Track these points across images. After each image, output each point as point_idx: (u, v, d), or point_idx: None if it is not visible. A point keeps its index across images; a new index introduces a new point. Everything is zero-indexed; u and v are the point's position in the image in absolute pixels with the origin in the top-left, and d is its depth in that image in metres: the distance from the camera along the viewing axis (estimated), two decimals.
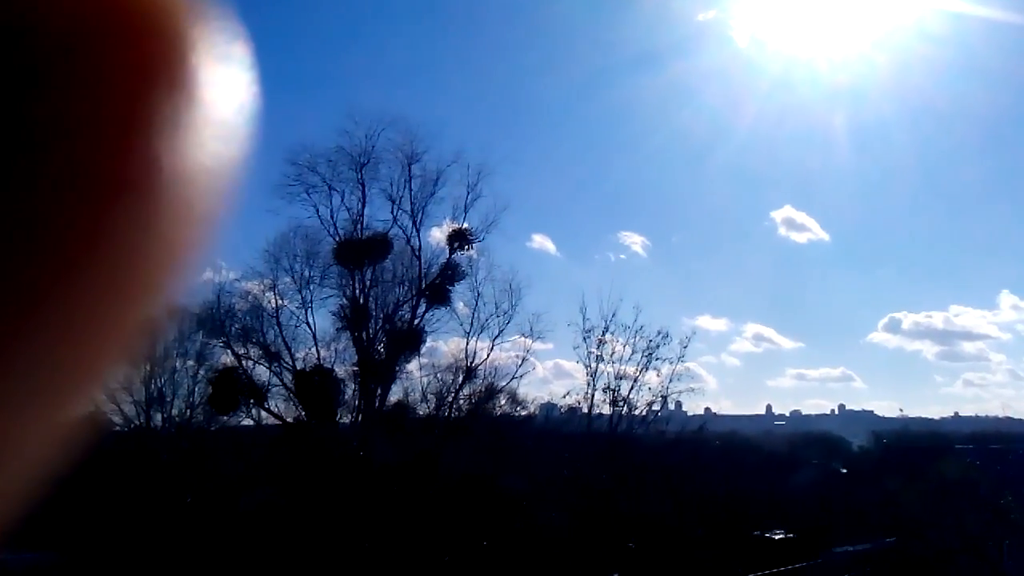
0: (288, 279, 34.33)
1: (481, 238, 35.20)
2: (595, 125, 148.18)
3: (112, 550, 39.42)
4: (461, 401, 35.50)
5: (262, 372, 34.62)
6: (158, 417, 48.27)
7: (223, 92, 0.59)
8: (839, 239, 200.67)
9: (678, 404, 36.88)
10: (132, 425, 48.79)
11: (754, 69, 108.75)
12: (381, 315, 34.42)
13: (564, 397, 35.48)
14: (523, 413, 40.55)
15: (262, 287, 34.66)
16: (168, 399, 48.57)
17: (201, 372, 45.32)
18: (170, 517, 39.29)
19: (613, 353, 33.50)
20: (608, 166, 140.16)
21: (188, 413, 47.28)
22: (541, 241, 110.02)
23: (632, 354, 33.38)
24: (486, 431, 36.00)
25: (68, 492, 44.11)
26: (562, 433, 36.42)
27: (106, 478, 43.03)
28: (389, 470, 32.86)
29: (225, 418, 40.78)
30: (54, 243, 0.47)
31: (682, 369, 33.87)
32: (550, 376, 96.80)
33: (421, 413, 34.97)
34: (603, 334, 33.39)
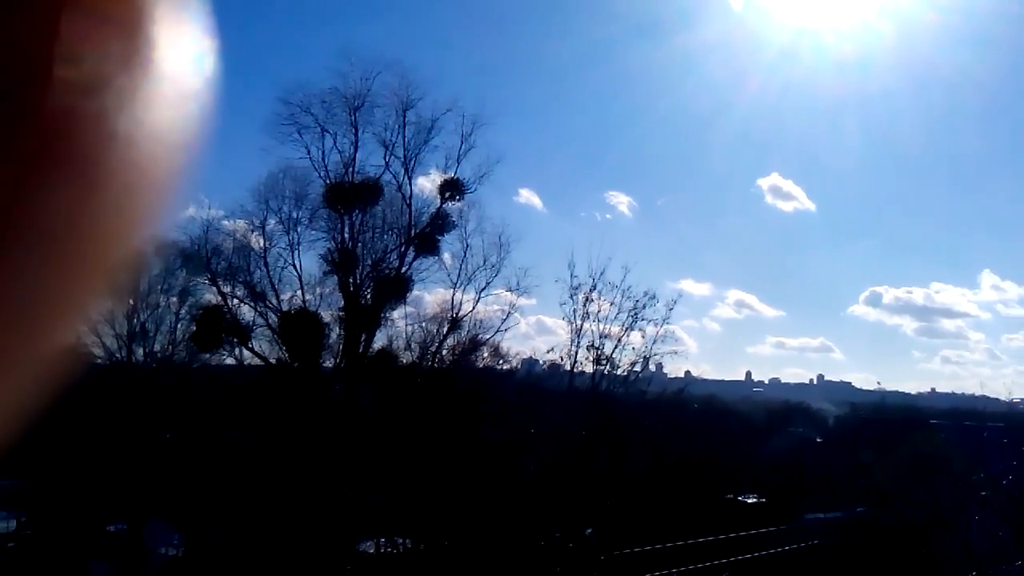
0: (276, 220, 34.09)
1: (473, 189, 35.03)
2: (590, 87, 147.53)
3: (91, 480, 39.57)
4: (444, 352, 35.58)
5: (247, 312, 34.54)
6: (140, 352, 48.27)
7: (181, 42, 0.60)
8: (825, 210, 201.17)
9: (659, 366, 36.96)
10: (114, 359, 48.70)
11: (758, 40, 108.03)
12: (369, 261, 34.31)
13: (548, 352, 35.54)
14: (505, 367, 40.70)
15: (250, 226, 34.45)
16: (151, 334, 48.49)
17: (184, 309, 45.18)
18: (149, 450, 39.42)
19: (599, 312, 33.51)
20: (599, 126, 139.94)
21: (170, 349, 47.20)
22: (528, 196, 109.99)
23: (618, 314, 33.40)
24: (467, 382, 36.09)
25: (47, 422, 43.97)
26: (543, 388, 36.55)
27: (86, 410, 43.07)
28: (370, 416, 32.99)
29: (207, 356, 40.76)
30: (27, 177, 0.47)
31: (665, 331, 33.93)
32: (532, 332, 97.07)
33: (404, 361, 34.98)
34: (590, 292, 33.34)
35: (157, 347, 48.25)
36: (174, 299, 46.62)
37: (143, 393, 42.10)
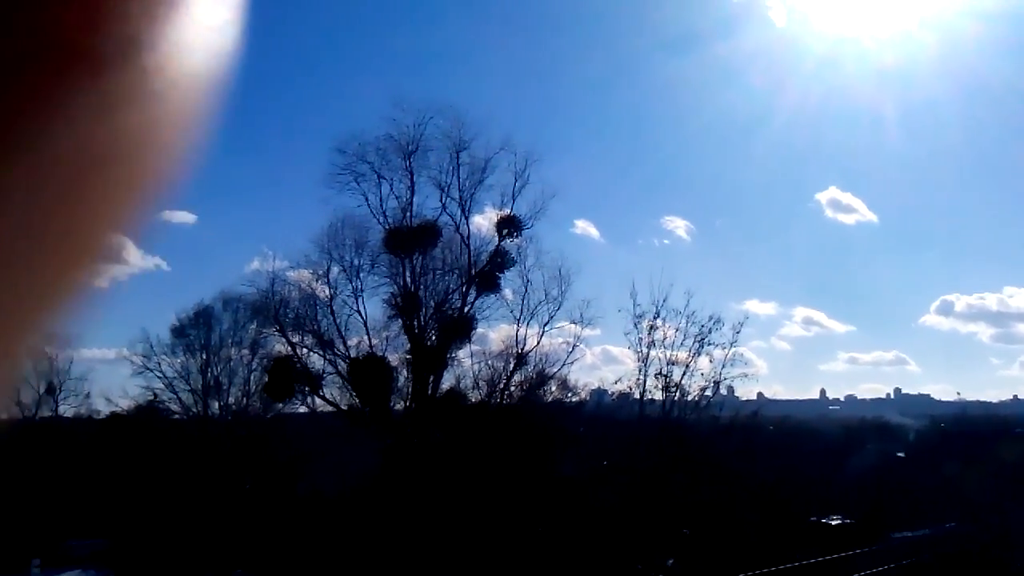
0: (339, 268, 34.63)
1: (530, 225, 35.18)
2: (636, 109, 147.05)
3: (175, 535, 40.31)
4: (512, 388, 35.59)
5: (316, 360, 35.02)
6: (215, 405, 49.27)
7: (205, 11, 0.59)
8: (887, 220, 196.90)
9: (730, 389, 36.47)
10: (190, 413, 49.83)
11: (797, 49, 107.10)
12: (431, 303, 34.63)
13: (615, 383, 35.39)
14: (574, 399, 40.57)
15: (314, 275, 35.01)
16: (225, 387, 49.57)
17: (256, 361, 46.14)
18: (230, 503, 40.05)
19: (664, 339, 33.31)
20: (649, 150, 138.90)
21: (244, 401, 48.16)
22: (584, 227, 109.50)
23: (684, 340, 33.16)
24: (538, 417, 36.04)
25: (131, 480, 45.19)
26: (614, 419, 36.32)
27: (167, 465, 44.03)
28: (442, 456, 33.08)
29: (281, 406, 41.39)
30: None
31: (734, 354, 33.59)
32: (599, 362, 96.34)
33: (473, 400, 35.08)
34: (654, 319, 33.19)
35: (232, 399, 49.34)
36: (245, 351, 47.65)
37: (221, 446, 42.91)
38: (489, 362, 35.61)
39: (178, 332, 49.75)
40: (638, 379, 33.53)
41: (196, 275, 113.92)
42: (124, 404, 55.37)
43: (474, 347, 35.77)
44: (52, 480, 54.08)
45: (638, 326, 33.42)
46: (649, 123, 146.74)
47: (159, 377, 49.88)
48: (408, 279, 34.34)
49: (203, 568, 41.78)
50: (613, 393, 37.39)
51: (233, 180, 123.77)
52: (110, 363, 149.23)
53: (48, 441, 57.40)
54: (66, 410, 60.71)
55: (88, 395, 60.40)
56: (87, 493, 52.57)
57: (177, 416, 51.29)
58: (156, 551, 42.78)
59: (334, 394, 35.32)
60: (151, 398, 51.66)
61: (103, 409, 58.65)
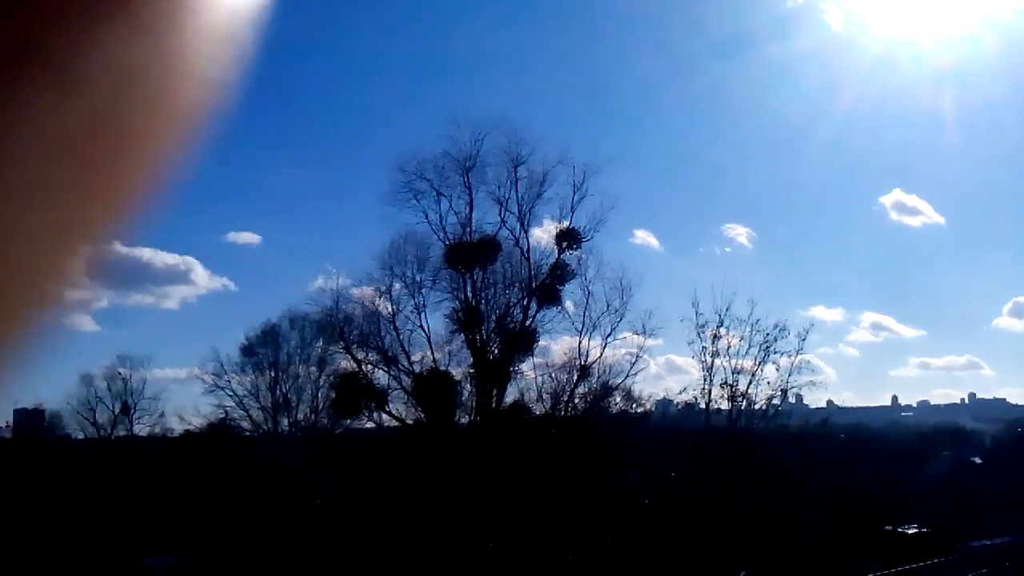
0: (401, 284, 35.02)
1: (589, 237, 35.18)
2: (691, 114, 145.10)
3: (247, 552, 40.99)
4: (576, 400, 35.55)
5: (381, 376, 35.41)
6: (285, 422, 50.12)
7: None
8: (955, 222, 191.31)
9: (799, 398, 35.98)
10: (261, 430, 50.72)
11: (853, 51, 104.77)
12: (493, 316, 34.80)
13: (680, 393, 35.17)
14: (639, 410, 40.36)
15: (377, 293, 35.43)
16: (293, 404, 50.39)
17: (323, 378, 46.86)
18: (301, 518, 40.61)
19: (729, 348, 33.00)
20: (707, 157, 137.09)
21: (313, 417, 48.92)
22: (644, 237, 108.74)
23: (748, 348, 32.82)
24: (603, 429, 35.95)
25: (204, 496, 46.11)
26: (680, 429, 36.07)
27: (239, 482, 44.85)
28: (508, 470, 33.16)
29: (348, 421, 41.92)
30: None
31: (801, 362, 33.13)
32: (663, 372, 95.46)
33: (537, 412, 35.13)
34: (717, 328, 32.91)
35: (300, 416, 50.14)
36: (313, 369, 48.46)
37: (291, 462, 43.57)
38: (552, 374, 35.67)
39: (247, 351, 50.76)
40: (703, 389, 33.28)
41: (262, 294, 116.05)
42: (197, 422, 56.56)
43: (537, 360, 35.86)
44: (127, 498, 55.41)
45: (701, 335, 33.19)
46: (704, 129, 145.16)
47: (230, 395, 50.89)
48: (469, 294, 34.60)
49: None
50: (678, 403, 37.17)
51: (296, 200, 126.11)
52: (182, 382, 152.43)
53: (123, 459, 58.88)
54: (141, 429, 62.25)
55: (162, 414, 61.88)
56: (161, 510, 53.76)
57: (248, 433, 52.24)
58: (230, 568, 43.54)
59: (399, 409, 35.71)
60: (223, 416, 52.71)
61: (176, 427, 60.04)
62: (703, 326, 33.20)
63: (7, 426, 71.16)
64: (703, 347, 33.16)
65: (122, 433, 61.34)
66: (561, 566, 33.91)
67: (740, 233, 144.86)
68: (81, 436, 61.86)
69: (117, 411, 60.60)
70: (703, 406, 33.71)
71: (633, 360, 35.13)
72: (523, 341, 34.71)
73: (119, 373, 60.88)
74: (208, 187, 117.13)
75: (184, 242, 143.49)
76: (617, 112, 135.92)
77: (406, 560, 33.26)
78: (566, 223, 35.28)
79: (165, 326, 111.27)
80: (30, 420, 66.39)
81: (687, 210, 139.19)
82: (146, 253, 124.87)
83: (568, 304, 35.49)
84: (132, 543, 53.06)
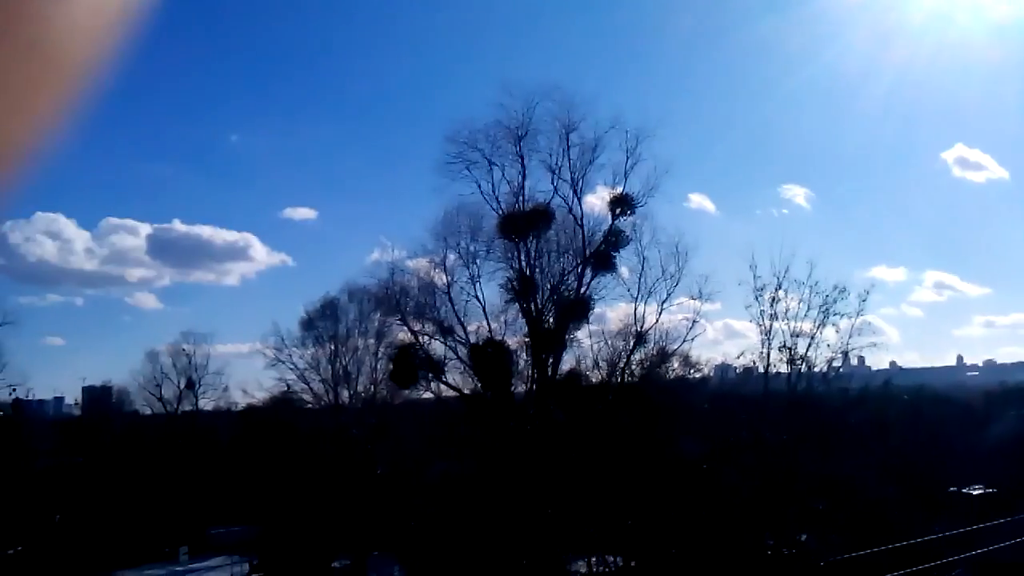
0: (455, 255, 35.11)
1: (643, 203, 34.84)
2: (743, 75, 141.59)
3: (311, 521, 41.76)
4: (633, 366, 35.43)
5: (438, 347, 35.64)
6: (345, 394, 50.74)
7: None
8: (1020, 176, 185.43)
9: (861, 360, 35.39)
10: (322, 402, 51.45)
11: (906, 2, 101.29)
12: (548, 285, 34.75)
13: (738, 358, 34.78)
14: (697, 375, 40.10)
15: (432, 264, 35.59)
16: (353, 376, 50.96)
17: (382, 349, 47.25)
18: (364, 487, 41.23)
19: (787, 310, 32.53)
20: (760, 117, 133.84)
21: (372, 389, 49.42)
22: (699, 200, 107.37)
23: (807, 311, 32.31)
24: (660, 395, 35.80)
25: (268, 468, 46.94)
26: (738, 394, 35.76)
27: (302, 453, 45.61)
28: (565, 437, 33.23)
29: (407, 392, 42.32)
30: None
31: (861, 323, 32.52)
32: (721, 336, 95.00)
33: (594, 380, 35.10)
34: (776, 291, 32.43)
35: (360, 388, 50.70)
36: (371, 341, 48.89)
37: (352, 433, 44.16)
38: (608, 341, 35.58)
39: (307, 325, 51.39)
40: (761, 353, 32.90)
41: (320, 268, 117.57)
42: (260, 396, 57.61)
43: (592, 327, 35.78)
44: (195, 470, 56.72)
45: (759, 299, 32.74)
46: (757, 87, 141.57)
47: (291, 368, 51.62)
48: (523, 263, 34.57)
49: (341, 551, 43.20)
50: (738, 368, 36.82)
51: (350, 175, 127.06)
52: (245, 357, 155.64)
53: (190, 433, 60.26)
54: (205, 403, 63.62)
55: (226, 388, 63.19)
56: (227, 482, 54.95)
57: (310, 405, 53.02)
58: (295, 536, 44.44)
59: (456, 379, 35.94)
60: (285, 389, 53.54)
61: (240, 401, 61.23)
62: (761, 289, 32.76)
63: (76, 403, 73.24)
64: (761, 310, 32.75)
65: (188, 408, 62.74)
66: (620, 532, 33.99)
67: (797, 194, 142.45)
68: (148, 411, 63.36)
69: (182, 386, 61.98)
70: (762, 370, 33.36)
71: (690, 325, 34.90)
72: (578, 309, 34.63)
73: (183, 349, 62.23)
74: (264, 164, 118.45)
75: (242, 219, 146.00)
76: (669, 74, 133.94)
77: (466, 526, 33.61)
78: (619, 189, 35.03)
79: (226, 302, 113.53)
80: (99, 397, 68.15)
81: (743, 172, 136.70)
82: (206, 231, 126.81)
83: (623, 270, 35.32)
84: (200, 514, 54.43)
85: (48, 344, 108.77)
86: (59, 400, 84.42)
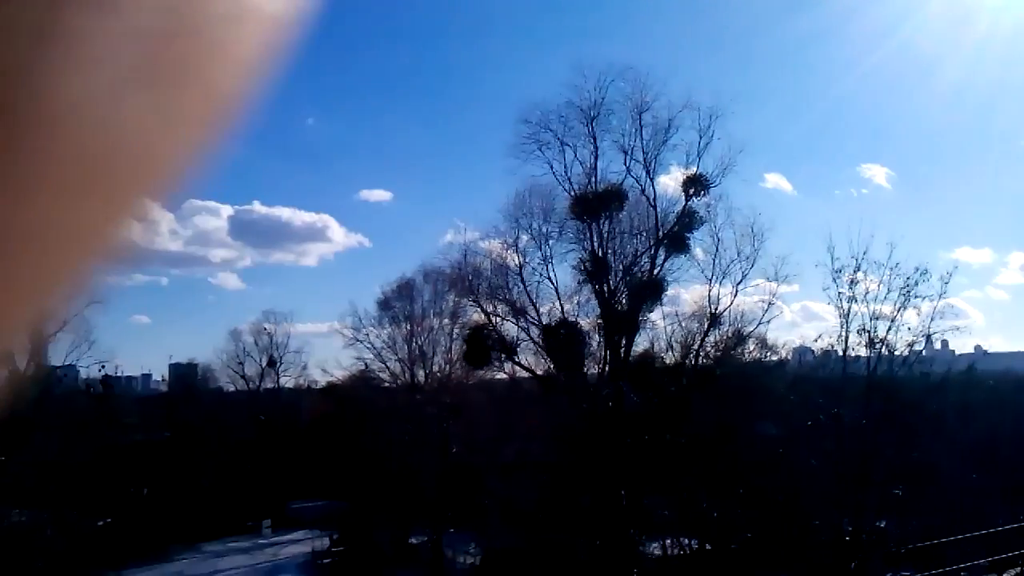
0: (528, 236, 35.16)
1: (717, 183, 34.38)
2: (818, 51, 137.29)
3: (389, 497, 42.48)
4: (708, 348, 35.09)
5: (511, 328, 35.79)
6: (421, 373, 51.35)
7: None
8: None
9: (944, 343, 34.38)
10: (398, 381, 52.19)
11: None
12: (620, 266, 34.58)
13: (815, 340, 34.10)
14: (774, 358, 39.53)
15: (504, 245, 35.71)
16: (429, 356, 51.54)
17: (457, 330, 47.66)
18: (439, 466, 41.75)
19: (867, 293, 31.73)
20: (838, 95, 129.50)
21: (448, 369, 49.92)
22: (776, 180, 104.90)
23: (888, 293, 31.47)
24: (735, 378, 35.40)
25: (347, 445, 47.84)
26: (816, 377, 35.10)
27: (380, 431, 46.35)
28: (638, 419, 33.11)
29: (481, 372, 42.66)
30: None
31: (944, 306, 31.57)
32: (799, 319, 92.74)
33: (667, 362, 34.86)
34: (854, 273, 31.65)
35: (436, 367, 51.26)
36: (446, 321, 49.36)
37: (428, 412, 44.66)
38: (682, 323, 35.32)
39: (384, 305, 52.17)
40: (840, 335, 32.20)
41: (395, 249, 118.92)
42: (338, 374, 58.76)
43: (666, 309, 35.54)
44: (276, 446, 58.14)
45: (837, 280, 32.00)
46: (833, 64, 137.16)
47: (368, 348, 52.57)
48: (596, 244, 34.46)
49: (418, 527, 43.87)
50: (818, 351, 36.16)
51: (425, 156, 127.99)
52: (324, 336, 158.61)
53: (271, 410, 61.76)
54: (286, 381, 65.18)
55: (305, 367, 64.66)
56: (307, 458, 56.22)
57: (387, 384, 53.84)
58: (373, 512, 45.28)
59: (529, 360, 36.11)
60: (362, 368, 54.51)
61: (319, 379, 62.52)
62: (839, 271, 31.97)
63: (163, 380, 75.58)
64: (839, 292, 32.00)
65: (269, 385, 64.30)
66: (694, 514, 33.78)
67: (877, 173, 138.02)
68: (232, 388, 65.15)
69: (264, 364, 63.54)
70: (840, 353, 32.67)
71: (766, 307, 34.41)
72: (651, 290, 34.40)
73: (264, 328, 63.80)
74: (340, 147, 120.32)
75: (320, 201, 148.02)
76: (743, 52, 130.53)
77: (539, 506, 33.79)
78: (693, 169, 34.65)
79: (305, 282, 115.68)
80: (185, 374, 70.25)
81: (821, 151, 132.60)
82: (285, 212, 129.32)
83: (697, 251, 34.95)
84: (282, 489, 55.82)
85: (136, 322, 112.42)
86: (147, 377, 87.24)
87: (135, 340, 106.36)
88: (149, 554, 44.58)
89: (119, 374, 63.04)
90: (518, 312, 35.12)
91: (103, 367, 46.04)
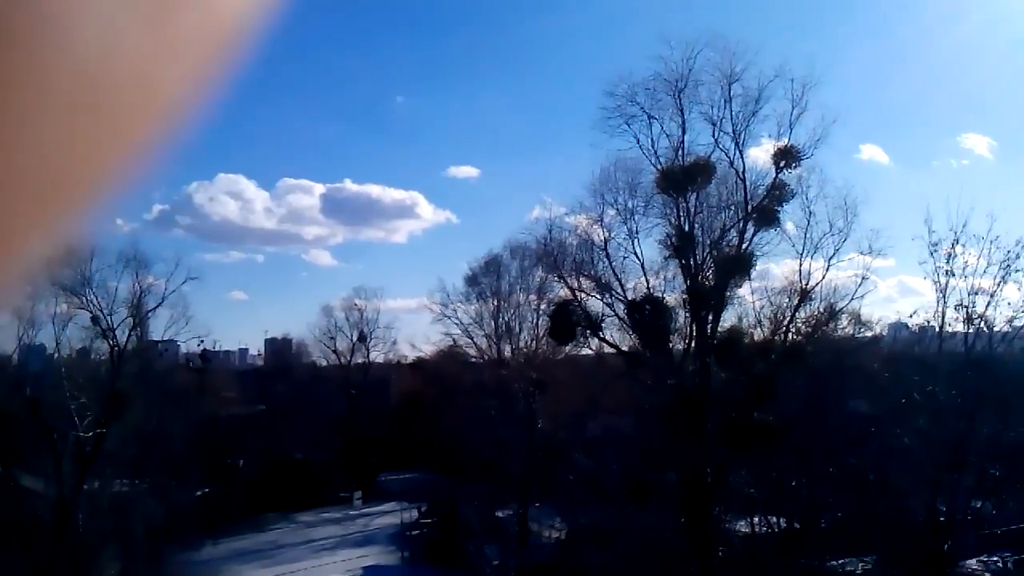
0: (613, 211, 34.89)
1: (809, 155, 33.43)
2: (914, 16, 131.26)
3: (477, 471, 43.02)
4: (798, 324, 34.35)
5: (596, 303, 35.66)
6: (508, 349, 51.75)
7: None
8: None
9: None
10: (485, 357, 52.71)
11: None
12: (708, 241, 34.01)
13: (911, 316, 33.08)
14: (868, 334, 38.53)
15: (589, 221, 35.52)
16: (515, 332, 51.87)
17: (543, 305, 47.79)
18: (524, 442, 42.11)
19: (965, 266, 30.61)
20: (937, 64, 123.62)
21: (534, 344, 50.17)
22: (871, 151, 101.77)
23: (987, 267, 30.29)
24: (827, 354, 34.64)
25: (436, 418, 48.48)
26: (911, 354, 34.11)
27: (466, 405, 46.92)
28: (725, 396, 32.73)
29: (567, 348, 42.70)
30: None
31: None
32: (894, 294, 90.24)
33: (756, 338, 34.28)
34: (952, 246, 30.55)
35: (522, 343, 51.57)
36: (533, 297, 49.61)
37: (515, 387, 45.03)
38: (771, 298, 34.64)
39: (471, 281, 52.74)
40: (936, 311, 31.18)
41: (483, 225, 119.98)
42: (426, 349, 59.65)
43: (755, 284, 34.85)
44: (366, 420, 59.33)
45: (934, 254, 30.94)
46: (929, 31, 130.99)
47: (456, 323, 53.25)
48: (683, 218, 33.95)
49: (504, 501, 44.38)
50: (915, 326, 35.11)
51: (511, 133, 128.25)
52: (413, 312, 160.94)
53: (362, 384, 63.03)
54: (376, 356, 66.49)
55: (395, 342, 65.97)
56: (396, 431, 57.25)
57: (474, 359, 54.45)
58: (461, 485, 45.92)
59: (614, 336, 35.91)
60: (450, 343, 55.22)
61: (408, 354, 63.62)
62: (936, 244, 30.91)
63: (259, 354, 77.83)
64: (936, 267, 30.95)
65: (360, 360, 65.57)
66: (783, 493, 33.32)
67: (978, 143, 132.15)
68: (324, 363, 66.63)
69: (355, 339, 64.86)
70: (937, 329, 31.68)
71: (859, 282, 33.49)
72: (739, 265, 33.76)
73: (355, 304, 65.10)
74: (428, 124, 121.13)
75: (409, 178, 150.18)
76: (836, 18, 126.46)
77: (623, 482, 33.79)
78: (784, 141, 33.70)
79: (395, 258, 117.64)
80: (280, 349, 72.17)
81: (918, 121, 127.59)
82: (375, 190, 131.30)
83: (788, 225, 34.14)
84: (372, 461, 57.04)
85: (233, 298, 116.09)
86: (244, 351, 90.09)
87: (233, 315, 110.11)
88: (244, 524, 46.14)
89: (217, 349, 65.33)
90: (603, 288, 34.91)
91: (201, 342, 47.69)
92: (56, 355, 36.59)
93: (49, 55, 0.46)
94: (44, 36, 0.46)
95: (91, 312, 36.06)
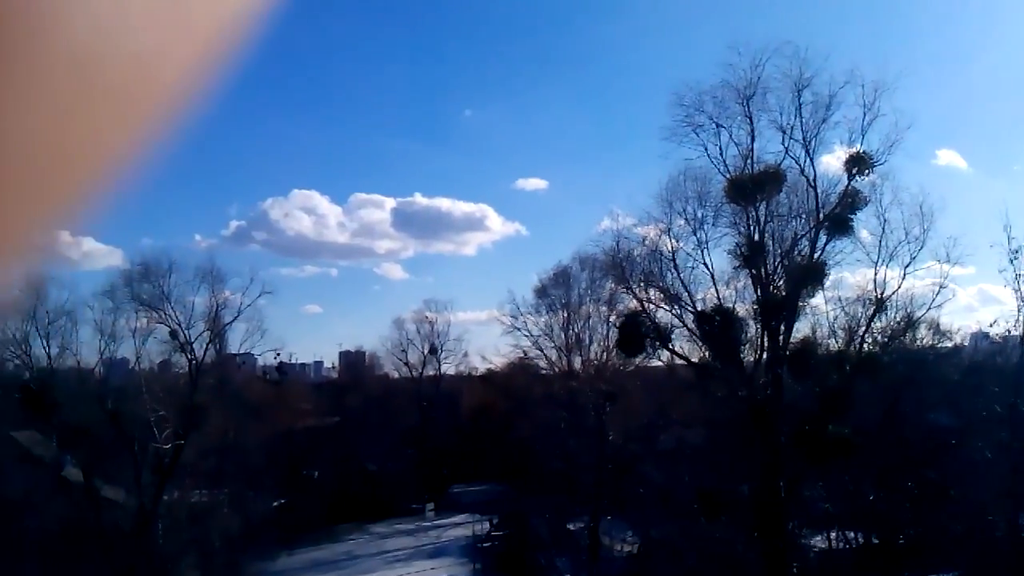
0: (682, 221, 34.56)
1: (882, 161, 32.67)
2: (992, 20, 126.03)
3: (548, 482, 42.99)
4: (874, 334, 33.58)
5: (665, 315, 35.34)
6: (578, 360, 51.61)
7: None
8: None
9: None
10: (555, 368, 52.65)
11: None
12: (779, 250, 33.45)
13: (991, 325, 32.12)
14: (948, 344, 37.47)
15: (658, 231, 35.24)
16: (585, 343, 51.73)
17: (612, 317, 47.58)
18: (593, 453, 41.96)
19: None
20: (1017, 66, 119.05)
21: (604, 356, 49.94)
22: (949, 157, 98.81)
23: None
24: (904, 365, 33.78)
25: (508, 429, 48.52)
26: (993, 364, 33.10)
27: (537, 417, 46.95)
28: (798, 408, 32.14)
29: (637, 360, 42.39)
30: None
31: None
32: (975, 303, 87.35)
33: (829, 348, 33.60)
34: None
35: (592, 355, 51.40)
36: (603, 308, 49.43)
37: (585, 398, 44.88)
38: (845, 308, 33.94)
39: (541, 292, 52.82)
40: (1018, 320, 30.23)
41: (552, 237, 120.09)
42: (497, 361, 59.83)
43: (827, 293, 34.20)
44: (438, 432, 59.72)
45: (1014, 262, 30.00)
46: (1008, 32, 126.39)
47: (526, 335, 53.30)
48: (752, 227, 33.47)
49: (575, 513, 44.21)
50: (998, 336, 34.08)
51: (579, 145, 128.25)
52: (483, 324, 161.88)
53: (434, 396, 63.49)
54: (447, 368, 66.95)
55: (465, 354, 66.35)
56: (468, 443, 57.50)
57: (544, 371, 54.43)
58: (532, 497, 45.91)
59: (684, 347, 35.52)
60: (520, 355, 55.32)
61: (479, 366, 63.92)
62: (1017, 251, 30.00)
63: (334, 367, 78.98)
64: (1017, 274, 30.02)
65: (431, 372, 66.06)
66: (860, 508, 32.55)
67: None
68: (396, 375, 67.30)
69: (426, 352, 65.38)
70: (1020, 339, 30.71)
71: (937, 291, 32.60)
72: (812, 274, 33.14)
73: (426, 316, 65.69)
74: (496, 137, 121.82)
75: (478, 191, 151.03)
76: (909, 21, 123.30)
77: (695, 495, 33.36)
78: (856, 147, 33.00)
79: (465, 271, 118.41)
80: (353, 361, 73.16)
81: (997, 125, 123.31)
82: (444, 203, 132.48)
83: (862, 233, 33.41)
84: (444, 473, 57.36)
85: (307, 312, 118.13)
86: (319, 364, 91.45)
87: (307, 328, 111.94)
88: (320, 534, 46.79)
89: (293, 361, 66.58)
90: (672, 299, 34.57)
91: (278, 355, 48.69)
92: (136, 368, 37.66)
93: (50, 39, 0.46)
94: (43, 21, 0.45)
95: (170, 326, 37.11)
